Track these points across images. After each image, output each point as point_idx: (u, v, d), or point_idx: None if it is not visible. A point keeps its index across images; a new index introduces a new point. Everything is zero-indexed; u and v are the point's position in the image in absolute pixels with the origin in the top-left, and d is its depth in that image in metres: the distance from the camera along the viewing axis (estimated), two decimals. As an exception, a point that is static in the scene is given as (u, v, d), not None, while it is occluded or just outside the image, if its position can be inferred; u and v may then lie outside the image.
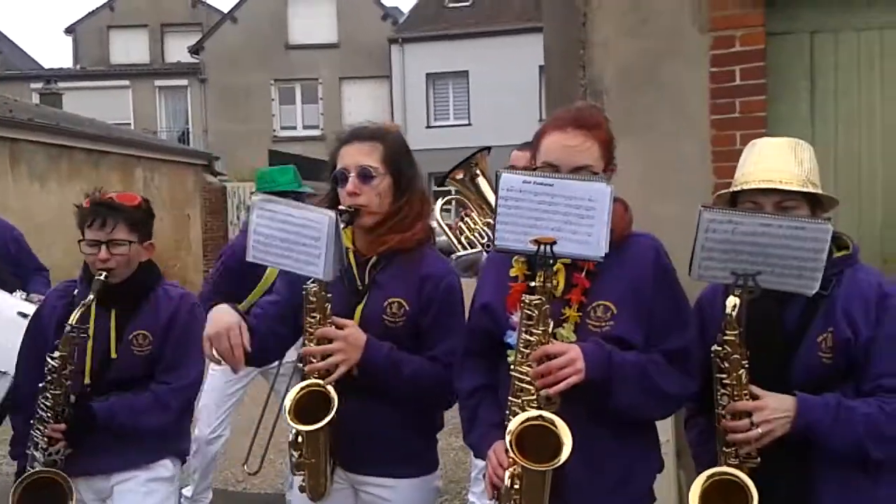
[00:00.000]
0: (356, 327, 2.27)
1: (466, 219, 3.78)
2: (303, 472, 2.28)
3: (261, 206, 2.23)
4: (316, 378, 2.22)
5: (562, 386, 1.89)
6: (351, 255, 2.39)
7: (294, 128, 29.55)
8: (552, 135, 2.10)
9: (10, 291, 3.76)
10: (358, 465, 2.36)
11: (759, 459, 1.92)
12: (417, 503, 2.40)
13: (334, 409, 2.15)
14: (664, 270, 2.09)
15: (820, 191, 2.05)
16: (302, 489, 2.30)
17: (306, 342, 2.26)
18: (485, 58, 27.15)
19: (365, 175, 2.33)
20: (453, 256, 3.74)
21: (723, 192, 2.15)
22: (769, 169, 2.03)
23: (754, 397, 1.92)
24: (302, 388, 2.20)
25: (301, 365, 2.31)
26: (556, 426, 1.86)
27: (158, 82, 29.81)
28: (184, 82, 29.60)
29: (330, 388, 2.19)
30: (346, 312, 2.30)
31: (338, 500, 2.37)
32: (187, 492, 4.68)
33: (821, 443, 1.92)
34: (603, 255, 1.91)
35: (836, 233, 2.13)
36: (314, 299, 2.22)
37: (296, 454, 2.25)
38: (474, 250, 4.00)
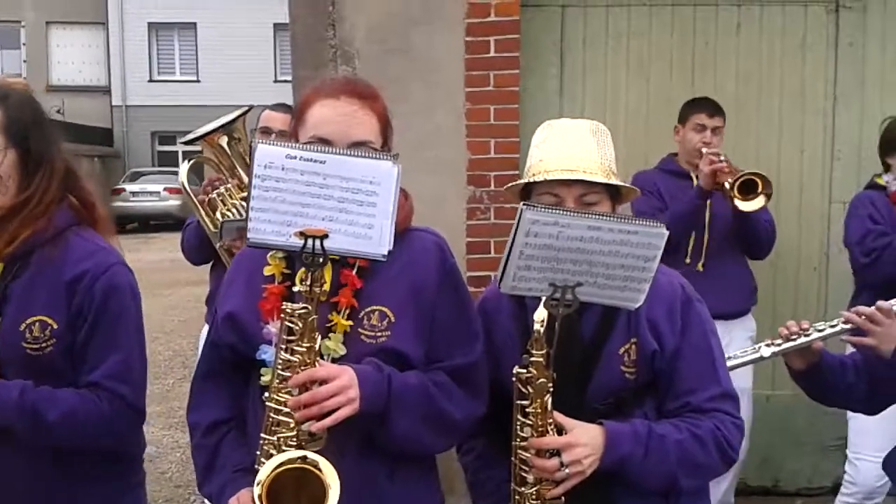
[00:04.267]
0: None
1: (222, 191, 3.15)
2: None
3: None
4: None
5: (329, 421, 1.52)
6: None
7: (-11, 75, 25.82)
8: (323, 103, 1.70)
9: None
10: None
11: (563, 501, 1.65)
12: None
13: None
14: (449, 272, 1.77)
15: (620, 181, 1.83)
16: None
17: None
18: (215, 10, 25.53)
19: None
20: (219, 220, 3.09)
21: (516, 182, 1.85)
22: (571, 156, 1.76)
23: (560, 429, 1.65)
24: None
25: None
26: (320, 470, 1.48)
27: None
28: None
29: None
30: None
31: None
32: None
33: (632, 477, 1.70)
34: (386, 251, 1.54)
35: None
36: None
37: None
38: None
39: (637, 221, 1.57)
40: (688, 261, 3.60)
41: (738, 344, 3.25)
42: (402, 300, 1.70)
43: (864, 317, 2.06)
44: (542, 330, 1.56)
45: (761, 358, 2.17)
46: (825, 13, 4.14)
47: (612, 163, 1.81)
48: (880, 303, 2.08)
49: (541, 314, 1.56)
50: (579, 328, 1.77)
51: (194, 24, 26.43)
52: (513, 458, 1.66)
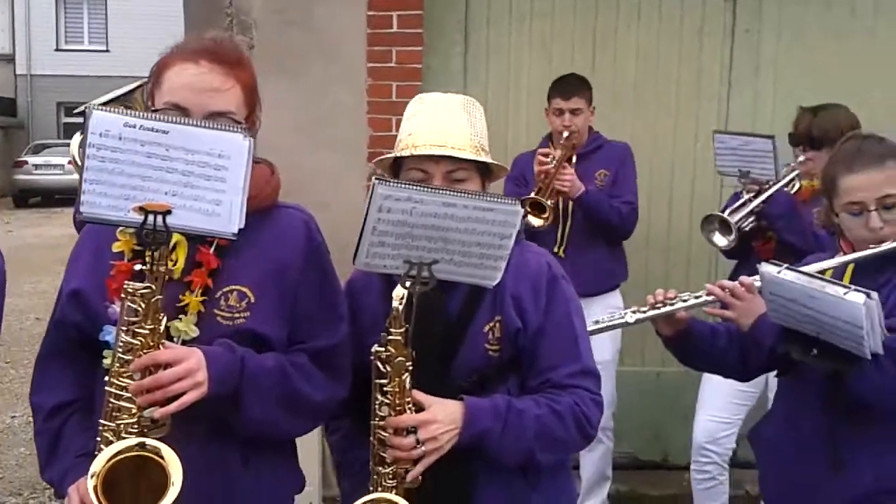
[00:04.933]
0: None
1: None
2: None
3: None
4: None
5: (174, 406, 1.45)
6: None
7: None
8: (180, 67, 1.60)
9: None
10: None
11: (420, 479, 1.63)
12: None
13: None
14: (315, 251, 1.72)
15: (490, 159, 1.80)
16: None
17: None
18: (124, -23, 24.56)
19: None
20: None
21: (384, 157, 1.81)
22: (441, 131, 1.72)
23: (419, 407, 1.63)
24: None
25: None
26: (162, 458, 1.41)
27: None
28: None
29: None
30: None
31: None
32: None
33: (491, 452, 1.70)
34: (236, 230, 1.47)
35: None
36: None
37: None
38: None
39: (493, 198, 1.55)
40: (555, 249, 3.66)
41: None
42: (263, 280, 1.65)
43: (726, 290, 2.11)
44: (400, 308, 1.53)
45: (626, 323, 2.22)
46: (723, 0, 4.21)
47: (483, 139, 1.78)
48: (743, 278, 2.12)
49: (399, 292, 1.53)
50: (445, 306, 1.75)
51: (104, -9, 25.42)
52: (371, 439, 1.64)
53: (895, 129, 4.10)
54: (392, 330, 1.55)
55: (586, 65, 4.22)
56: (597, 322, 2.32)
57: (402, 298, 1.53)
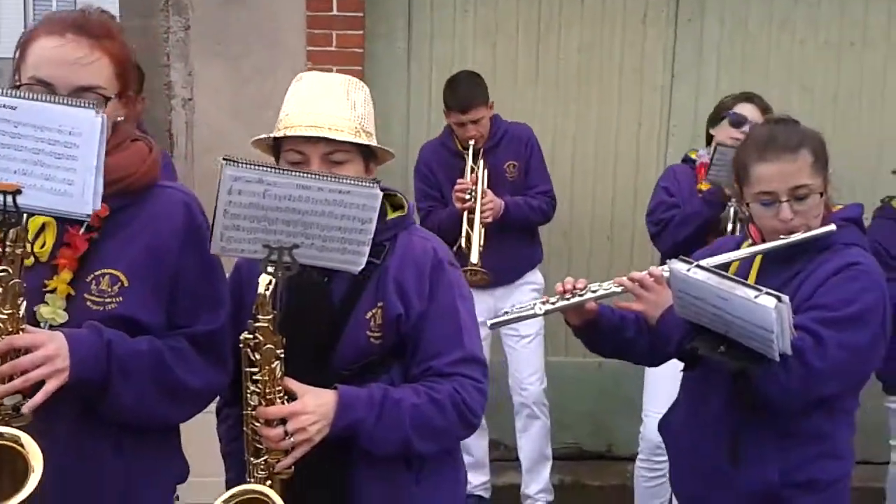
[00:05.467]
0: None
1: None
2: None
3: None
4: None
5: (38, 398, 1.41)
6: None
7: None
8: (44, 40, 1.55)
9: None
10: None
11: (293, 470, 1.61)
12: None
13: None
14: (195, 233, 1.67)
15: (374, 142, 1.77)
16: None
17: None
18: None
19: None
20: None
21: (261, 136, 1.77)
22: (317, 112, 1.68)
23: (291, 396, 1.60)
24: None
25: None
26: (21, 446, 1.37)
27: None
28: None
29: None
30: None
31: None
32: None
33: (365, 442, 1.65)
34: (90, 210, 1.43)
35: (390, 190, 1.90)
36: None
37: None
38: None
39: (350, 181, 1.52)
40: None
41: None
42: (138, 262, 1.60)
43: (636, 282, 2.09)
44: (267, 294, 1.50)
45: (535, 314, 2.19)
46: (666, -11, 4.20)
47: (365, 121, 1.74)
48: (652, 269, 2.10)
49: (265, 277, 1.50)
50: (328, 292, 1.72)
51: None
52: (245, 429, 1.61)
53: (837, 116, 4.23)
54: (260, 317, 1.52)
55: (530, 53, 4.20)
56: (506, 312, 2.30)
57: (267, 284, 1.49)
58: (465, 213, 3.53)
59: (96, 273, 1.58)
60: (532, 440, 3.89)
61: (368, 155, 1.77)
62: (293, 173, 1.49)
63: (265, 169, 1.47)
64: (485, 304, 3.51)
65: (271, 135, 1.73)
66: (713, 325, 1.86)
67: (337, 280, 1.73)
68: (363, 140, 1.71)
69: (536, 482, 3.90)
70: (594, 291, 2.14)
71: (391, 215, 1.83)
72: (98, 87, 1.55)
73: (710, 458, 2.01)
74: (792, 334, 1.80)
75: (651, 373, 3.43)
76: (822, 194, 1.97)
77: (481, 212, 3.50)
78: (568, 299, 2.14)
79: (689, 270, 1.81)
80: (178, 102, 3.99)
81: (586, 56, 4.25)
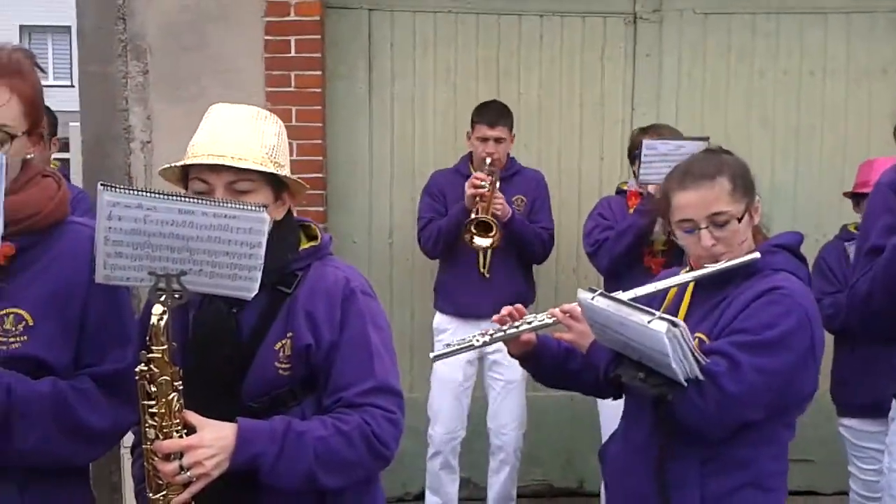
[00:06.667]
0: None
1: None
2: None
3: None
4: None
5: None
6: None
7: None
8: None
9: None
10: None
11: None
12: None
13: None
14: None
15: (286, 172, 1.75)
16: None
17: None
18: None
19: None
20: None
21: (166, 166, 1.75)
22: (221, 142, 1.66)
23: (191, 429, 1.56)
24: None
25: None
26: None
27: None
28: None
29: None
30: None
31: None
32: None
33: (267, 476, 1.59)
34: None
35: (305, 221, 1.87)
36: None
37: None
38: None
39: (235, 205, 1.49)
40: (481, 269, 3.71)
41: None
42: (44, 301, 1.58)
43: (566, 313, 2.06)
44: (161, 324, 1.46)
45: (473, 346, 2.16)
46: (623, 24, 4.24)
47: (274, 151, 1.72)
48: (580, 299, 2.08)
49: (158, 307, 1.46)
50: (234, 323, 1.69)
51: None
52: (145, 464, 1.56)
53: (800, 146, 4.24)
54: (154, 347, 1.48)
55: (490, 90, 4.22)
56: (448, 346, 2.26)
57: (160, 314, 1.46)
58: (474, 208, 3.56)
59: (0, 313, 1.55)
60: (500, 482, 3.88)
61: (280, 186, 1.74)
62: (174, 198, 1.46)
63: (144, 194, 1.44)
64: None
65: (174, 164, 1.71)
66: (627, 352, 1.84)
67: (246, 311, 1.70)
68: (269, 169, 1.69)
69: None
70: (529, 323, 2.12)
71: (304, 245, 1.80)
72: (4, 126, 1.54)
73: (638, 486, 1.96)
74: (703, 359, 1.78)
75: (603, 405, 3.40)
76: (741, 220, 1.95)
77: (493, 203, 3.54)
78: (504, 331, 2.12)
79: (592, 298, 1.80)
80: (137, 146, 3.99)
81: (547, 92, 4.27)
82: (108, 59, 3.90)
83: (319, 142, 4.07)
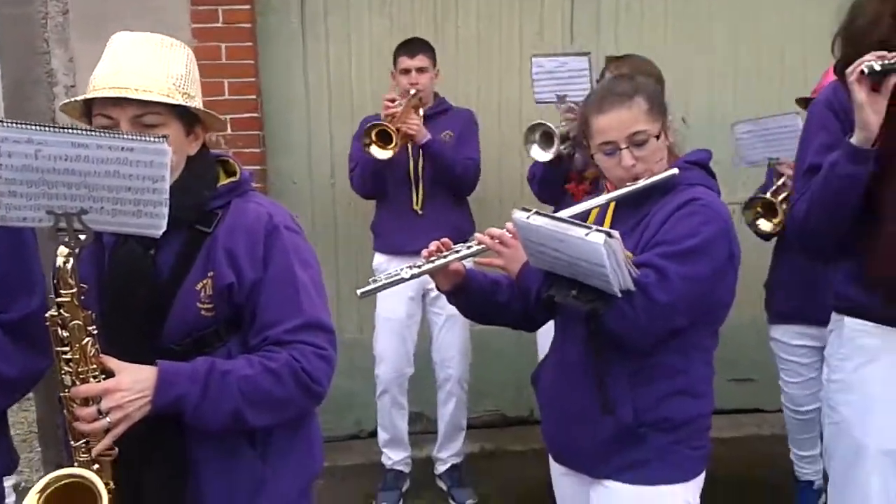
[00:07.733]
0: None
1: None
2: None
3: None
4: None
5: None
6: None
7: None
8: None
9: None
10: None
11: (116, 450, 1.53)
12: None
13: None
14: None
15: (196, 104, 1.67)
16: None
17: None
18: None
19: None
20: None
21: (67, 101, 1.66)
22: (123, 72, 1.57)
23: (108, 373, 1.52)
24: None
25: None
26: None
27: None
28: None
29: None
30: None
31: None
32: None
33: (191, 418, 1.57)
34: None
35: (223, 155, 1.80)
36: None
37: None
38: None
39: (132, 136, 1.41)
40: (414, 206, 3.68)
41: None
42: None
43: (495, 238, 2.05)
44: (68, 266, 1.40)
45: (402, 279, 2.13)
46: (561, -47, 4.15)
47: (184, 82, 1.64)
48: (509, 224, 2.06)
49: (63, 249, 1.40)
50: (150, 264, 1.63)
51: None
52: (64, 412, 1.52)
53: (736, 71, 4.23)
54: (62, 291, 1.42)
55: (428, 25, 4.12)
56: (375, 280, 2.23)
57: (66, 256, 1.40)
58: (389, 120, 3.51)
59: None
60: (449, 412, 3.92)
61: (192, 119, 1.67)
62: (66, 131, 1.38)
63: (34, 128, 1.36)
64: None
65: (74, 98, 1.62)
66: (562, 270, 1.85)
67: (164, 251, 1.64)
68: (177, 100, 1.61)
69: (448, 449, 3.96)
70: (458, 252, 2.10)
71: (223, 181, 1.74)
72: None
73: (579, 406, 1.99)
74: (634, 271, 1.82)
75: (541, 334, 3.42)
76: (658, 138, 1.98)
77: (405, 122, 3.50)
78: (433, 262, 2.09)
79: (528, 217, 1.79)
80: (61, 90, 3.82)
81: (486, 23, 4.19)
82: (25, 0, 3.70)
83: (253, 80, 3.95)
